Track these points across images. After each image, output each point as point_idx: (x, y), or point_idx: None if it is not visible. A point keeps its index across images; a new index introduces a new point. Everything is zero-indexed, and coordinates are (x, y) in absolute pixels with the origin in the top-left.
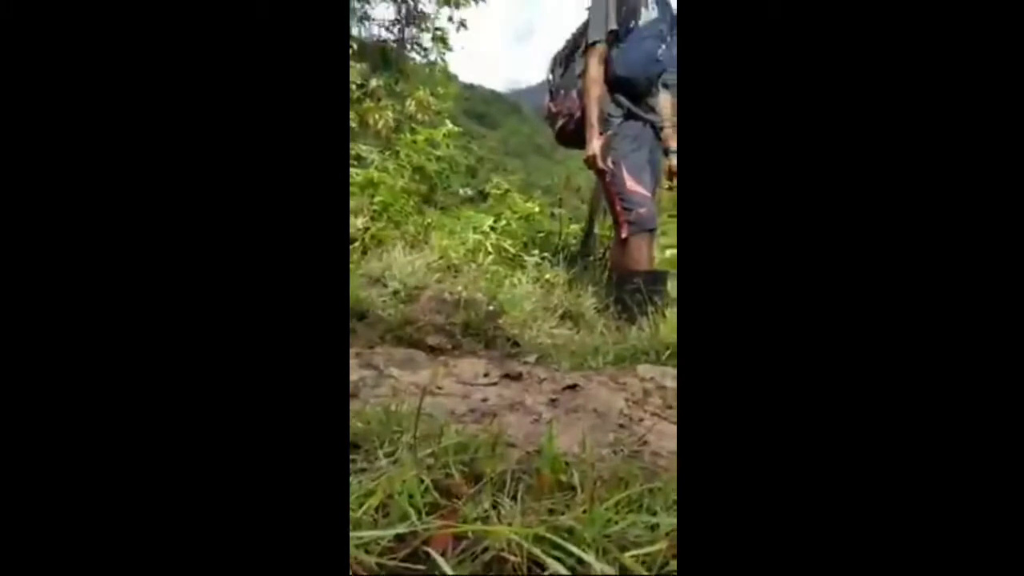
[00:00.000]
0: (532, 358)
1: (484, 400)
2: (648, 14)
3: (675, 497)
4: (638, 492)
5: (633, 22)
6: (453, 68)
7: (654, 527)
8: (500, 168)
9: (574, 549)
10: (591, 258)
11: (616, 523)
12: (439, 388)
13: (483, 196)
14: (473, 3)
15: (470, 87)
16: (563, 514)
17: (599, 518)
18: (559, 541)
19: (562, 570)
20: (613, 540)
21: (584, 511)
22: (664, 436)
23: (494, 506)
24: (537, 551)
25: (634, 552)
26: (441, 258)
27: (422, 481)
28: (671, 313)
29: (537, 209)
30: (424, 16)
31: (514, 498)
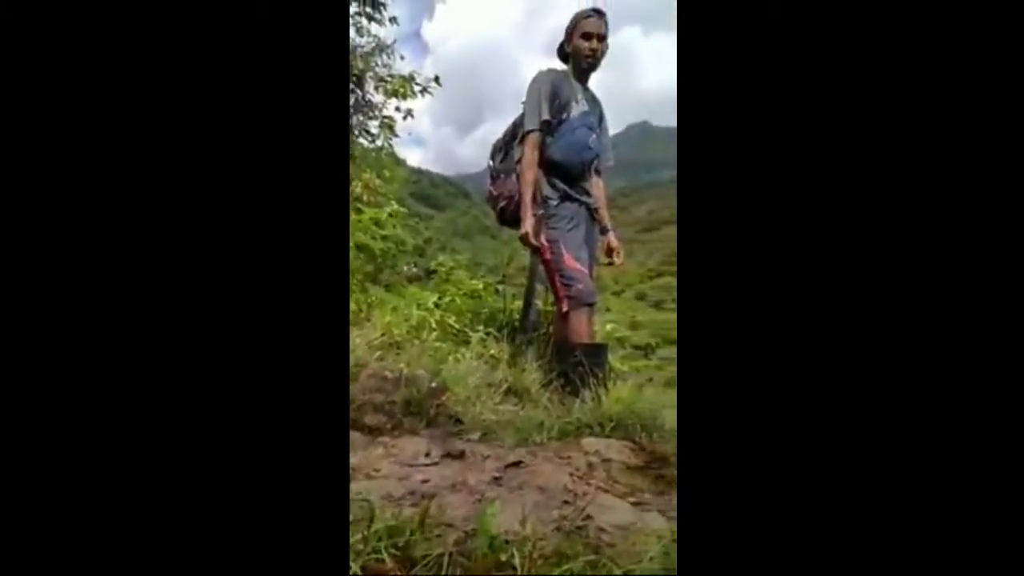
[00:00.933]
0: (475, 435)
1: (424, 481)
2: (579, 107)
3: (618, 572)
4: (580, 567)
5: (565, 114)
6: (402, 153)
7: None
8: (448, 248)
9: None
10: (535, 333)
11: None
12: (376, 471)
13: (429, 275)
14: (419, 95)
15: (419, 171)
16: None
17: None
18: None
19: None
20: None
21: None
22: (608, 510)
23: None
24: None
25: None
26: (383, 335)
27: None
28: (612, 386)
29: (482, 286)
30: (372, 105)
31: None
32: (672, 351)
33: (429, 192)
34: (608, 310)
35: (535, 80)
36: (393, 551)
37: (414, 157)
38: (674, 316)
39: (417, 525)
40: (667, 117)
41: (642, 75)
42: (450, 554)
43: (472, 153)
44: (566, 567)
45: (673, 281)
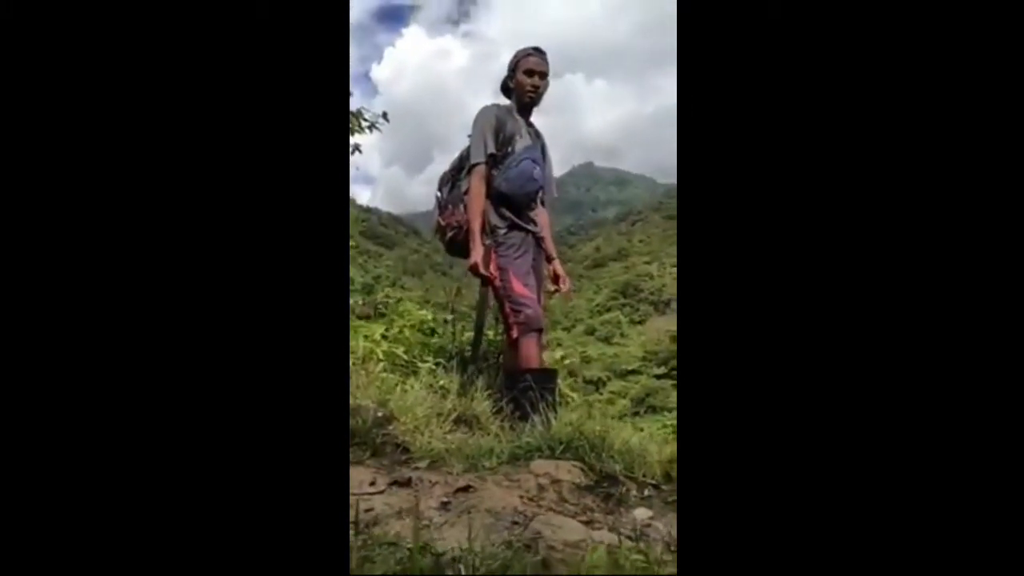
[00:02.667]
0: (423, 464)
1: (368, 510)
2: (523, 141)
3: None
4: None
5: (510, 147)
6: (351, 192)
7: None
8: (397, 285)
9: None
10: (484, 363)
11: None
12: None
13: (379, 314)
14: (367, 131)
15: (368, 210)
16: None
17: None
18: None
19: None
20: None
21: None
22: (559, 529)
23: None
24: None
25: None
26: None
27: None
28: (562, 410)
29: (431, 317)
30: None
31: None
32: (620, 385)
33: (379, 230)
34: (559, 345)
35: (480, 114)
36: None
37: (363, 196)
38: (622, 350)
39: (358, 547)
40: (610, 158)
41: (585, 119)
42: (394, 574)
43: (421, 192)
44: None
45: (620, 316)
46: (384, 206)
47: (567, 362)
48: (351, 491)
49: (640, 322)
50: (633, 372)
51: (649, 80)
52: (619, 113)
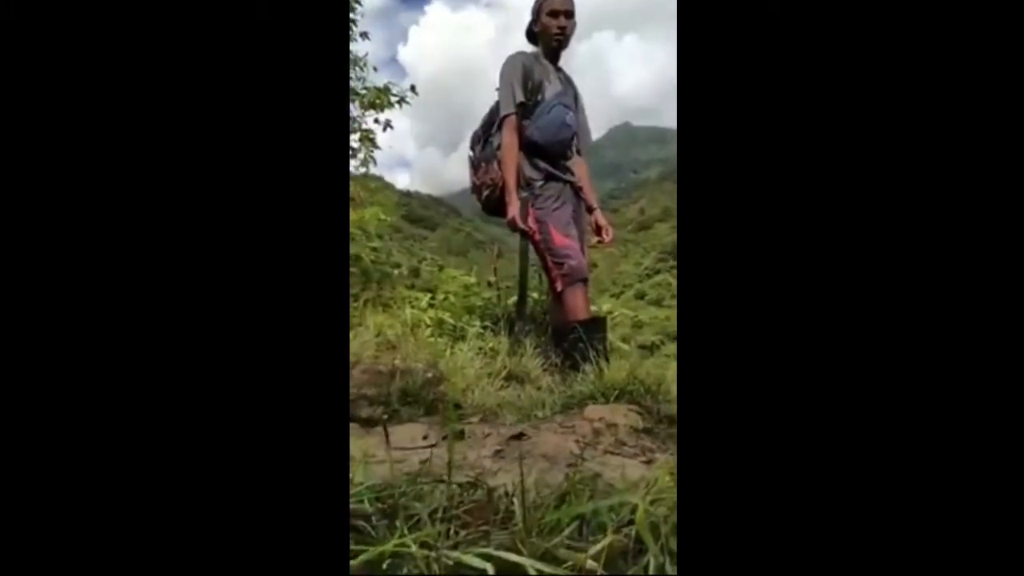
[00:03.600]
0: (475, 419)
1: (423, 462)
2: (552, 87)
3: (625, 510)
4: (585, 506)
5: (540, 95)
6: (389, 177)
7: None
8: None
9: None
10: (532, 323)
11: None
12: (372, 457)
13: (415, 275)
14: (396, 105)
15: (407, 194)
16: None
17: (533, 524)
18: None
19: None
20: (547, 538)
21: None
22: (618, 468)
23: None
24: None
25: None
26: (377, 335)
27: None
28: (615, 358)
29: (474, 280)
30: (350, 119)
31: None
32: (674, 348)
33: (420, 213)
34: (610, 313)
35: (506, 64)
36: (378, 504)
37: (401, 180)
38: (673, 312)
39: (409, 482)
40: (647, 117)
41: (618, 78)
42: (444, 508)
43: (457, 171)
44: (568, 508)
45: (670, 278)
46: (423, 189)
47: (621, 334)
48: (405, 447)
49: None
50: None
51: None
52: (652, 69)
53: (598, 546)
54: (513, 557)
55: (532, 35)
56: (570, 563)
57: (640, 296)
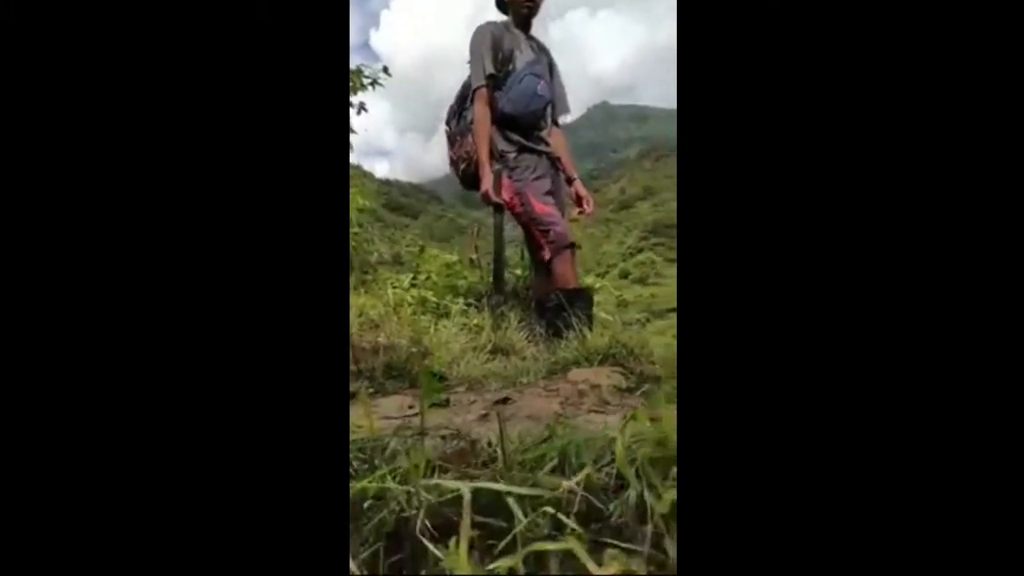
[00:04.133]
0: (461, 388)
1: (405, 426)
2: (524, 57)
3: (605, 444)
4: (564, 441)
5: (511, 65)
6: (368, 166)
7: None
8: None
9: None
10: (515, 298)
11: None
12: (358, 427)
13: (397, 261)
14: (370, 87)
15: (387, 183)
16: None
17: (514, 462)
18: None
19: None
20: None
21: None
22: (602, 425)
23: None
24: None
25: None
26: (360, 315)
27: None
28: (598, 326)
29: (456, 258)
30: None
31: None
32: (661, 324)
33: (400, 201)
34: (596, 291)
35: (475, 35)
36: (359, 455)
37: (381, 169)
38: (659, 289)
39: (393, 433)
40: (625, 95)
41: (593, 57)
42: (426, 461)
43: (438, 157)
44: (547, 446)
45: (653, 256)
46: (403, 177)
47: (600, 292)
48: (388, 416)
49: (675, 260)
50: (673, 310)
51: (656, 7)
52: (629, 46)
53: (577, 477)
54: (491, 485)
55: (502, 4)
56: (550, 489)
57: (624, 275)
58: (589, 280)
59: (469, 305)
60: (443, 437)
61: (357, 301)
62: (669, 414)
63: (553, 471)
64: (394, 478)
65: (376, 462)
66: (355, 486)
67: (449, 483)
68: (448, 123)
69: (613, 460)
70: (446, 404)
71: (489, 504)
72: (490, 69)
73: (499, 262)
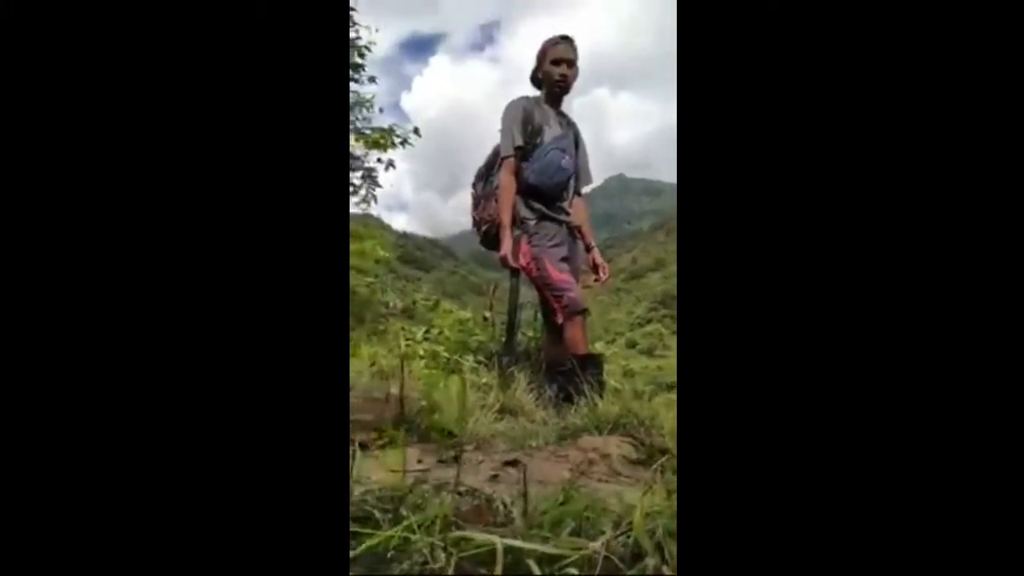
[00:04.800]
0: (470, 447)
1: (418, 481)
2: (552, 131)
3: (623, 511)
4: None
5: (539, 139)
6: (386, 219)
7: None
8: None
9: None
10: (526, 360)
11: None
12: (368, 478)
13: (408, 316)
14: (400, 146)
15: (404, 235)
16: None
17: (534, 521)
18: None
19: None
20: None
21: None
22: (613, 494)
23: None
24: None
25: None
26: (372, 365)
27: None
28: (608, 394)
29: (469, 315)
30: (353, 157)
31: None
32: (666, 398)
33: (415, 255)
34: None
35: (508, 108)
36: (379, 505)
37: (398, 222)
38: (666, 362)
39: (407, 490)
40: (641, 170)
41: (613, 131)
42: (440, 519)
43: (455, 215)
44: (565, 507)
45: (661, 328)
46: (419, 231)
47: (614, 382)
48: (400, 469)
49: None
50: None
51: (673, 91)
52: (646, 124)
53: (597, 543)
54: (517, 543)
55: (536, 80)
56: (574, 550)
57: (631, 345)
58: (597, 347)
59: (479, 363)
60: (459, 493)
61: (369, 350)
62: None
63: (571, 534)
64: (416, 530)
65: (400, 510)
66: (378, 535)
67: (479, 535)
68: (475, 186)
69: (630, 529)
70: (456, 460)
71: (508, 563)
72: (519, 141)
73: (513, 323)
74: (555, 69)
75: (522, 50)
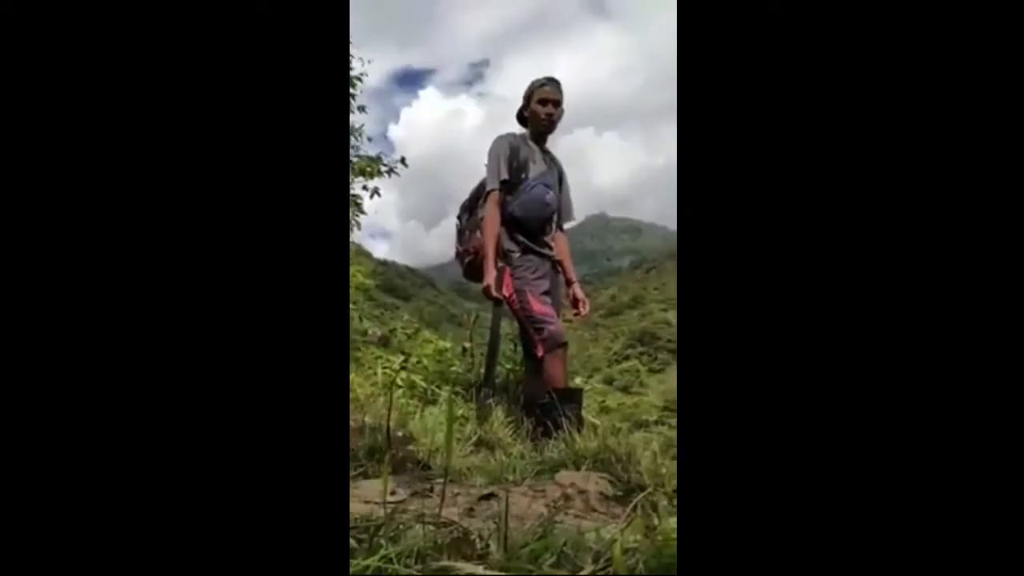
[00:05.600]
0: (445, 478)
1: (392, 512)
2: (537, 167)
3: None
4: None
5: (524, 174)
6: (368, 246)
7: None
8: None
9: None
10: (505, 393)
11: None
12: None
13: (384, 341)
14: (386, 175)
15: (384, 263)
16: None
17: (513, 554)
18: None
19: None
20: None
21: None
22: (591, 530)
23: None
24: None
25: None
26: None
27: None
28: (587, 430)
29: (449, 345)
30: None
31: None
32: (641, 437)
33: (395, 283)
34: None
35: (495, 143)
36: (354, 535)
37: (380, 250)
38: (642, 399)
39: (385, 519)
40: (622, 208)
41: (596, 171)
42: (417, 550)
43: (437, 245)
44: (544, 540)
45: (638, 364)
46: (401, 259)
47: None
48: (374, 500)
49: (659, 371)
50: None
51: (657, 133)
52: (629, 165)
53: (583, 573)
54: (500, 575)
55: (522, 118)
56: None
57: (608, 381)
58: (576, 382)
59: (457, 394)
60: (435, 526)
61: None
62: (666, 526)
63: (550, 567)
64: (396, 560)
65: (378, 539)
66: (356, 564)
67: (462, 566)
68: (459, 218)
69: (609, 565)
70: (430, 491)
71: None
72: (504, 175)
73: (493, 354)
74: (541, 108)
75: (509, 88)
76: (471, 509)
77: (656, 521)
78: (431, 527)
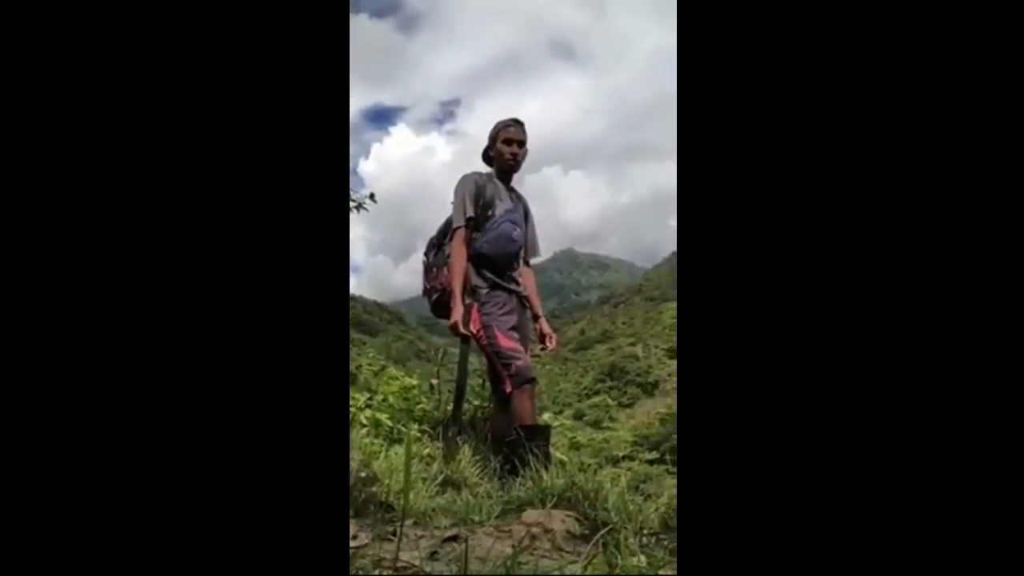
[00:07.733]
0: (409, 521)
1: (352, 556)
2: (503, 205)
3: None
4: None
5: (491, 211)
6: None
7: None
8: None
9: None
10: (472, 430)
11: None
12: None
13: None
14: (355, 211)
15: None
16: None
17: None
18: None
19: None
20: None
21: None
22: (556, 570)
23: None
24: None
25: None
26: None
27: None
28: (554, 467)
29: (415, 382)
30: None
31: None
32: (612, 472)
33: (362, 318)
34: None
35: (461, 181)
36: None
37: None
38: (612, 434)
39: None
40: (590, 244)
41: (564, 207)
42: None
43: (406, 280)
44: None
45: (608, 399)
46: (369, 294)
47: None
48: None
49: (628, 405)
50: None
51: (622, 171)
52: (596, 202)
53: None
54: None
55: (488, 158)
56: None
57: (579, 416)
58: (545, 417)
59: (423, 432)
60: (396, 569)
61: None
62: (627, 563)
63: None
64: None
65: None
66: None
67: None
68: (427, 255)
69: None
70: (393, 534)
71: None
72: (470, 212)
73: (461, 391)
74: (506, 148)
75: (480, 126)
76: (434, 552)
77: (618, 559)
78: (389, 572)
